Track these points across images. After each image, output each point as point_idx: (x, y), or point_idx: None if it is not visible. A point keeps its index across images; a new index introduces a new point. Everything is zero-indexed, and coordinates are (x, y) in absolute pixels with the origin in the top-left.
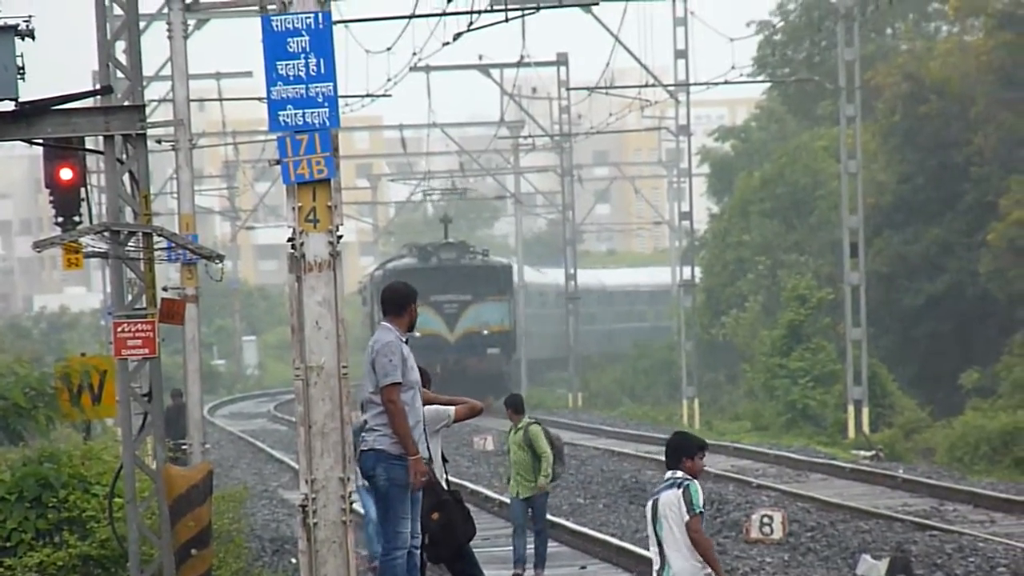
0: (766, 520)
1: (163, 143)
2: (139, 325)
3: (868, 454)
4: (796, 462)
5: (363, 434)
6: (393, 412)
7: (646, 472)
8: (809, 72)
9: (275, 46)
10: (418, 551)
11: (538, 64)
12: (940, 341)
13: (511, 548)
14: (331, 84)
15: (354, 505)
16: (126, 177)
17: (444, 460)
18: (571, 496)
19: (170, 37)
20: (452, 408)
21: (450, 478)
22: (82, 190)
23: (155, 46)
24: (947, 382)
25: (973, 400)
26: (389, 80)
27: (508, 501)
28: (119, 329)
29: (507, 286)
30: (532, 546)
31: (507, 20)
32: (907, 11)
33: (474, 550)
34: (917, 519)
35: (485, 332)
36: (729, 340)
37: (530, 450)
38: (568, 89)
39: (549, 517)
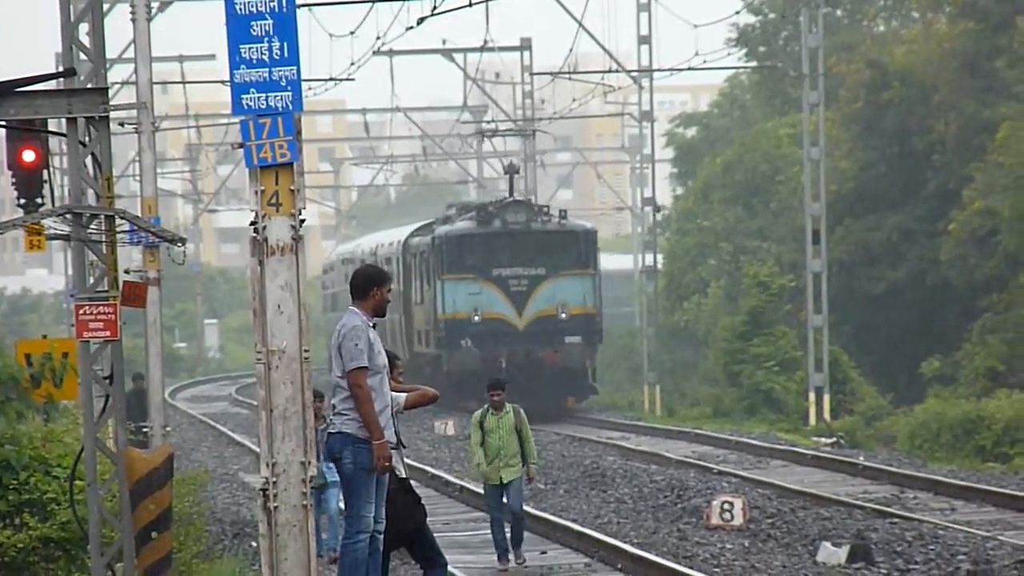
0: (727, 507)
1: (126, 126)
2: (101, 308)
3: (829, 441)
4: (757, 448)
5: (331, 417)
6: (359, 397)
7: (607, 458)
8: (785, 52)
9: (238, 29)
10: (381, 536)
11: (502, 49)
12: (901, 329)
13: (490, 538)
14: (294, 68)
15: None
16: (88, 159)
17: (402, 446)
18: (532, 482)
19: (133, 19)
20: (402, 395)
21: (407, 462)
22: (44, 172)
23: (118, 28)
24: (908, 370)
25: (934, 388)
26: (352, 64)
27: (468, 486)
28: (81, 311)
29: (590, 256)
30: (508, 529)
31: (471, 5)
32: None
33: (435, 535)
34: (877, 507)
35: (563, 315)
36: (691, 326)
37: (517, 434)
38: (531, 74)
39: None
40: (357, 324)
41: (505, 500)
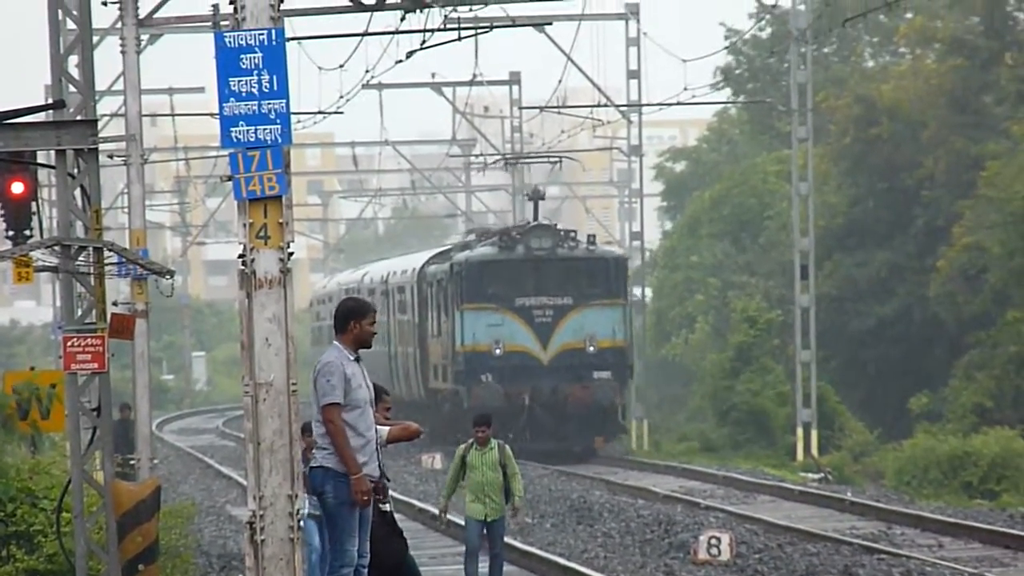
0: (714, 542)
1: (115, 158)
2: (89, 340)
3: (816, 476)
4: (744, 484)
5: (314, 450)
6: (332, 432)
7: (594, 492)
8: (773, 89)
9: (228, 62)
10: (365, 570)
11: (490, 83)
12: (889, 364)
13: (463, 573)
14: (284, 101)
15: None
16: (77, 192)
17: (386, 479)
18: (517, 514)
19: (123, 52)
20: (385, 428)
21: (392, 495)
22: (33, 204)
23: (108, 61)
24: (895, 405)
25: (921, 424)
26: (341, 97)
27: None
28: (69, 343)
29: (621, 285)
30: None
31: (460, 39)
32: (872, 35)
33: (421, 569)
34: (865, 542)
35: (591, 349)
36: (678, 361)
37: (502, 470)
38: (520, 108)
39: None
40: (331, 360)
41: (485, 539)
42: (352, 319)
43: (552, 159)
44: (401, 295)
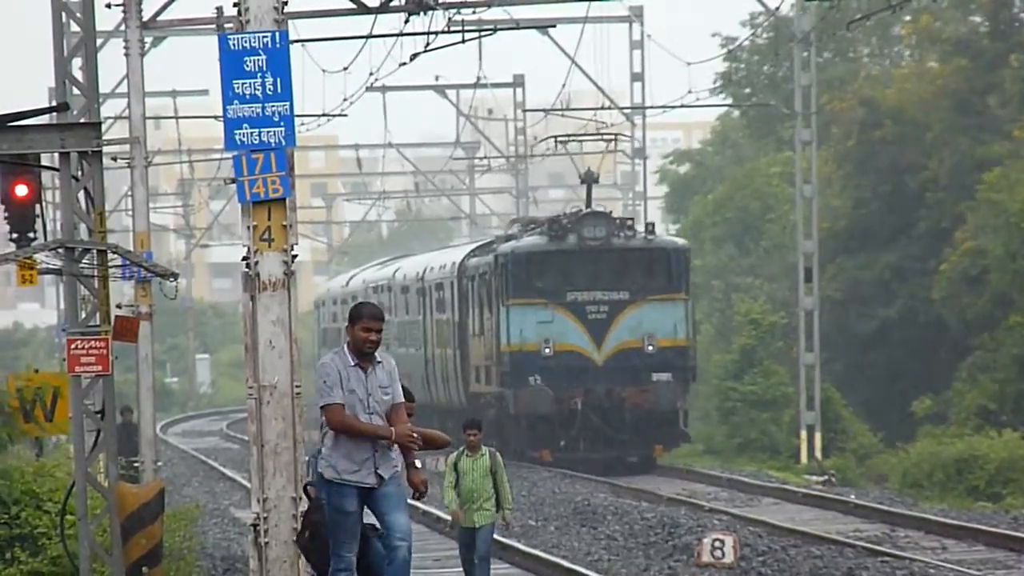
0: (717, 544)
1: (118, 160)
2: (92, 342)
3: (820, 479)
4: (748, 486)
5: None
6: (342, 429)
7: (598, 495)
8: (772, 94)
9: (232, 65)
10: (404, 543)
11: (494, 85)
12: (893, 367)
13: None
14: (287, 103)
15: None
16: (81, 194)
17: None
18: (523, 518)
19: (127, 55)
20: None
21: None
22: (37, 207)
23: (111, 63)
24: (899, 408)
25: (925, 427)
26: (345, 100)
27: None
28: (72, 346)
29: (682, 278)
30: None
31: (464, 41)
32: (870, 36)
33: (426, 573)
34: (869, 545)
35: (650, 348)
36: None
37: (492, 477)
38: (524, 110)
39: (501, 539)
40: (325, 361)
41: (474, 547)
42: (349, 323)
43: (607, 136)
44: (439, 292)
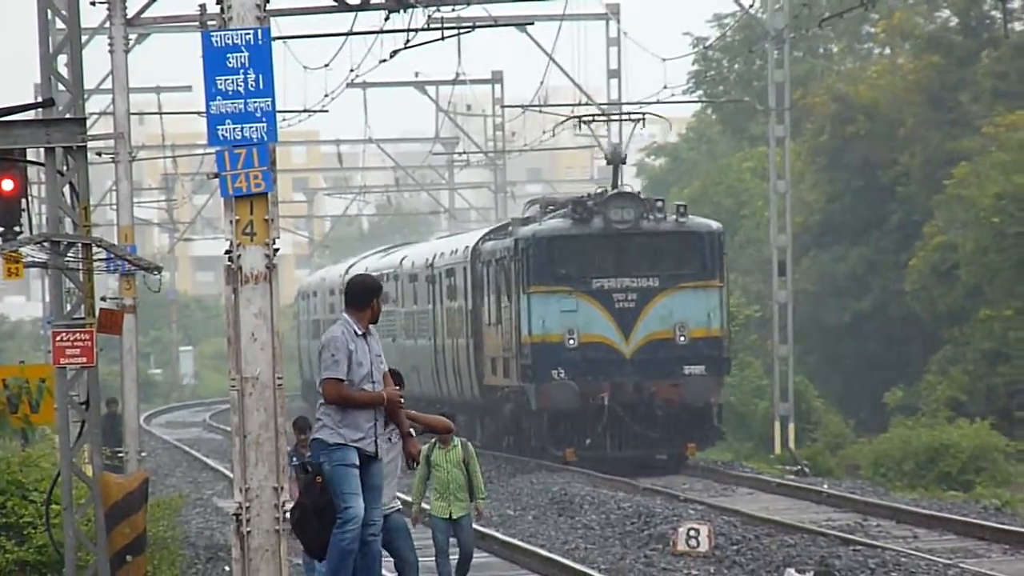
0: (692, 533)
1: (103, 155)
2: (77, 334)
3: (794, 469)
4: (723, 476)
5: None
6: (344, 402)
7: (575, 485)
8: (744, 91)
9: (215, 61)
10: (376, 537)
11: (473, 82)
12: (865, 359)
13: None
14: (269, 99)
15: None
16: (66, 189)
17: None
18: (501, 508)
19: (111, 51)
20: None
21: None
22: (23, 201)
23: (96, 60)
24: (872, 399)
25: (897, 417)
26: (326, 96)
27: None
28: (58, 338)
29: (716, 263)
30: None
31: (443, 38)
32: (840, 33)
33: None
34: (841, 534)
35: (682, 339)
36: None
37: (465, 468)
38: (503, 107)
39: (481, 529)
40: (336, 335)
41: (454, 538)
42: (375, 296)
43: (635, 116)
44: (450, 279)
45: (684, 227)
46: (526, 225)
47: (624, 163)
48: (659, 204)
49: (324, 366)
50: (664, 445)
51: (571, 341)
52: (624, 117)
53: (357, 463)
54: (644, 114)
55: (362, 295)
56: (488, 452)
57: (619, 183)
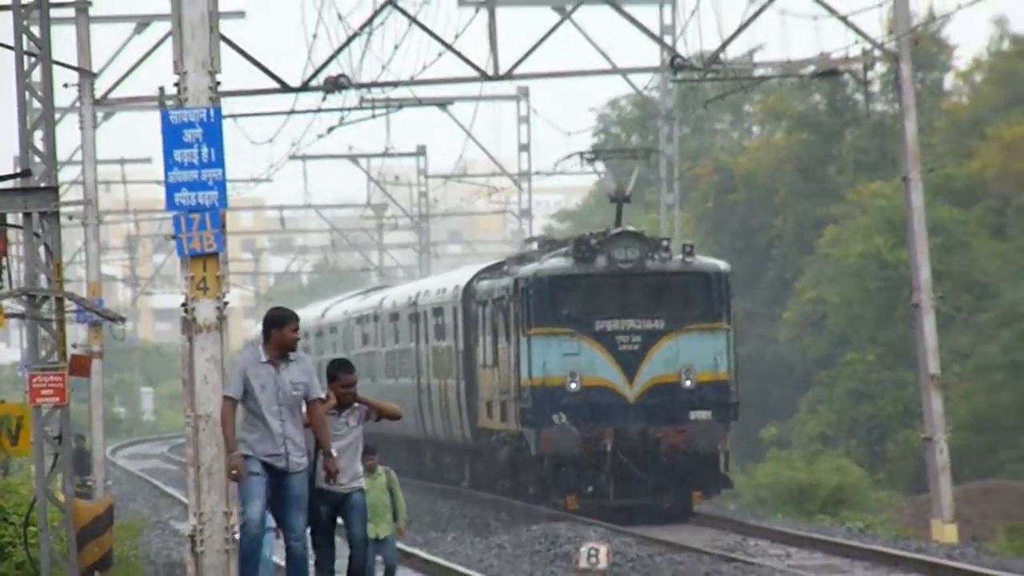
0: (593, 552)
1: (74, 219)
2: (51, 377)
3: None
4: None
5: None
6: (221, 420)
7: (490, 511)
8: (640, 162)
9: (172, 136)
10: (296, 543)
11: (400, 155)
12: (745, 399)
13: None
14: (220, 170)
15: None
16: (42, 249)
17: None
18: (425, 530)
19: (81, 127)
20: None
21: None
22: (3, 259)
23: (68, 134)
24: (750, 435)
25: (772, 450)
26: (271, 167)
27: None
28: (34, 380)
29: (723, 305)
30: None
31: (374, 116)
32: (723, 112)
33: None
34: (723, 552)
35: (688, 383)
36: None
37: (389, 493)
38: (426, 177)
39: (406, 548)
40: (238, 360)
41: (380, 555)
42: (271, 327)
43: (637, 153)
44: (437, 318)
45: (690, 267)
46: (522, 263)
47: (628, 201)
48: (665, 243)
49: (224, 383)
50: (669, 493)
51: (573, 385)
52: (628, 154)
53: (258, 471)
54: (649, 151)
55: (264, 327)
56: (479, 493)
57: (621, 221)
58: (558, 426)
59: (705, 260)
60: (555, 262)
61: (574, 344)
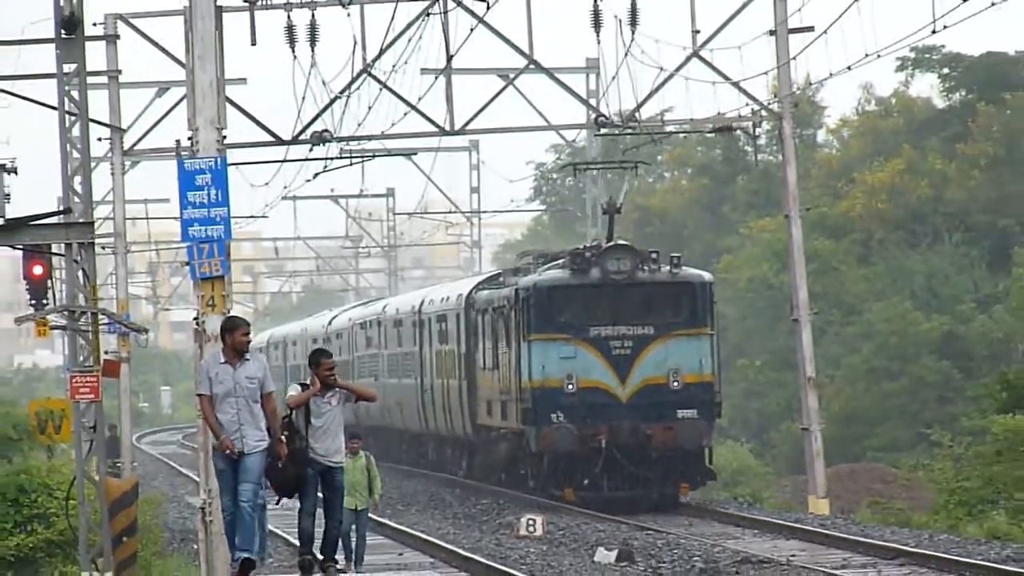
0: (531, 522)
1: (106, 249)
2: (88, 378)
3: None
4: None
5: None
6: (204, 415)
7: (445, 488)
8: (572, 202)
9: (187, 181)
10: (245, 504)
11: (373, 195)
12: None
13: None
14: (226, 208)
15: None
16: (80, 273)
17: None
18: (393, 504)
19: (112, 174)
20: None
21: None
22: (48, 281)
23: (101, 179)
24: None
25: None
26: (267, 206)
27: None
28: (74, 380)
29: (708, 312)
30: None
31: (351, 164)
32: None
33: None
34: (638, 523)
35: (675, 385)
36: None
37: (367, 474)
38: (395, 214)
39: (377, 518)
40: (202, 362)
41: (355, 526)
42: (223, 334)
43: (627, 165)
44: (441, 324)
45: (677, 278)
46: (517, 275)
47: (619, 213)
48: (654, 256)
49: (196, 385)
50: (658, 485)
51: (570, 386)
52: (616, 165)
53: (223, 467)
54: (636, 163)
55: (220, 333)
56: (479, 484)
57: (613, 235)
58: (556, 424)
59: (691, 271)
60: (553, 273)
61: (571, 349)
